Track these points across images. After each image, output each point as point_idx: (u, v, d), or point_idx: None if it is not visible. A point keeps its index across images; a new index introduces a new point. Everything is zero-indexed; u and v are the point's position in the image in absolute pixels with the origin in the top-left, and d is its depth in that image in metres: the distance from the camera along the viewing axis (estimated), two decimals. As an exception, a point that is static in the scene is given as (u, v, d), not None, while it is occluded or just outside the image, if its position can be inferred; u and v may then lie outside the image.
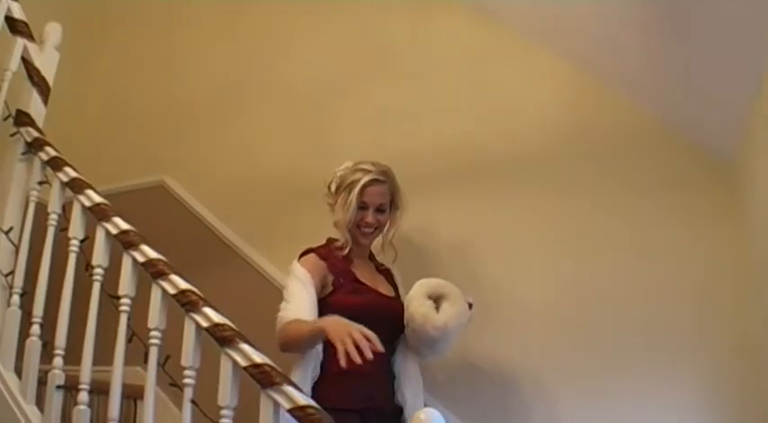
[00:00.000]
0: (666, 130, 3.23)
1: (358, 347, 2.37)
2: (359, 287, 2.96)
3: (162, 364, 2.70)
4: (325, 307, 2.84)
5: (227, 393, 2.44)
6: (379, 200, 3.04)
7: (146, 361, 2.68)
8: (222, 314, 2.57)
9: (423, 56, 3.89)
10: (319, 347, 2.77)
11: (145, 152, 4.54)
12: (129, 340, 2.78)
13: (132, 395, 3.40)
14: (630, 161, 3.26)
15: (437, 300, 2.86)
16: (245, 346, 2.43)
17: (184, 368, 2.57)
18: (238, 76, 4.42)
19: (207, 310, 2.56)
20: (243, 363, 2.41)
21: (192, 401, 2.56)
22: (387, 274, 3.21)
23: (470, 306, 2.90)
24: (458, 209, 3.46)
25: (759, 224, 2.77)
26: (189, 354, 2.57)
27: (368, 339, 2.40)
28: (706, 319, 2.99)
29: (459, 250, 3.37)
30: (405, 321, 2.89)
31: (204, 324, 2.54)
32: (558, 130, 3.42)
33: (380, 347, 2.40)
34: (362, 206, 3.03)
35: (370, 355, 2.36)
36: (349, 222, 3.02)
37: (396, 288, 3.17)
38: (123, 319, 2.79)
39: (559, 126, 3.42)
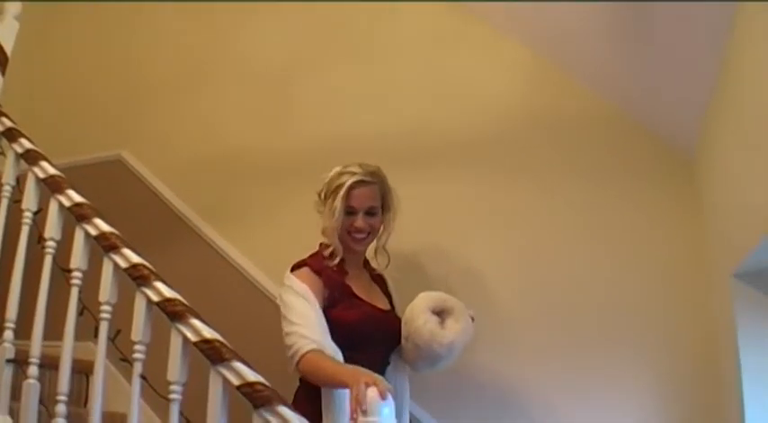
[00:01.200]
0: (626, 120, 3.24)
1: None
2: (355, 302, 2.76)
3: (112, 339, 2.69)
4: (330, 321, 2.67)
5: (176, 369, 2.44)
6: (367, 203, 2.82)
7: (96, 335, 2.66)
8: (174, 290, 2.56)
9: (385, 38, 3.88)
10: None
11: (103, 126, 4.48)
12: (80, 314, 2.76)
13: (84, 370, 3.38)
14: (589, 150, 3.27)
15: (441, 314, 2.72)
16: (195, 322, 2.42)
17: (134, 343, 2.56)
18: (199, 51, 4.38)
19: (158, 284, 2.55)
20: (193, 338, 2.40)
21: (142, 376, 2.55)
22: (381, 282, 3.04)
23: (472, 320, 2.77)
24: (417, 191, 3.46)
25: (716, 215, 2.80)
26: (139, 328, 2.55)
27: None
28: (663, 307, 3.03)
29: (417, 232, 3.37)
30: (404, 335, 2.73)
31: (155, 298, 2.52)
32: (517, 116, 3.42)
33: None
34: (350, 211, 2.80)
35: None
36: (337, 229, 2.79)
37: (390, 297, 3.01)
38: (74, 292, 2.77)
39: (519, 112, 3.42)
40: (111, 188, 4.13)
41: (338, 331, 2.59)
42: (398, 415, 2.67)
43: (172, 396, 2.44)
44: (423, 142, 3.55)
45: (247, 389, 2.26)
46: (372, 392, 2.04)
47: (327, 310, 2.68)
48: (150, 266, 2.62)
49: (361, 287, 2.85)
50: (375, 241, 2.94)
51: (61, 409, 2.65)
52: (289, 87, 4.00)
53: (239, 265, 3.72)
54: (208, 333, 2.39)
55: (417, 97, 3.66)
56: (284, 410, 2.21)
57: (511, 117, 3.44)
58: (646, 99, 3.14)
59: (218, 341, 2.37)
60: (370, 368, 2.44)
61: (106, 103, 4.56)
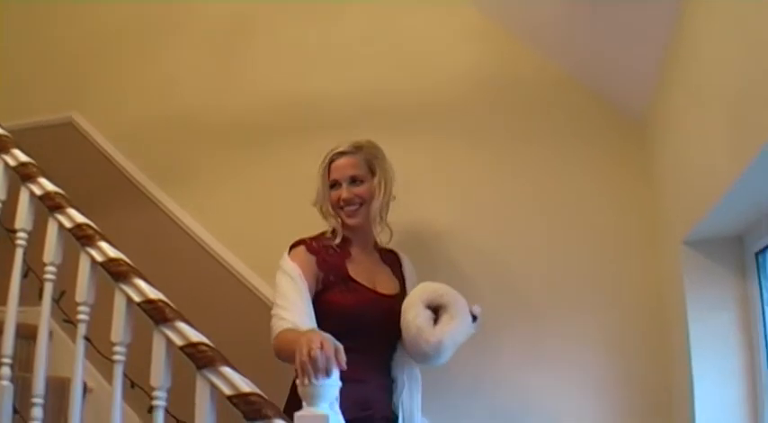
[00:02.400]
0: (577, 85, 3.23)
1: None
2: (351, 285, 2.61)
3: (57, 300, 2.65)
4: (316, 306, 2.52)
5: (120, 329, 2.40)
6: (349, 172, 2.70)
7: (41, 297, 2.62)
8: (120, 251, 2.52)
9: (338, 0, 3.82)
10: None
11: (53, 87, 4.38)
12: (24, 276, 2.71)
13: (31, 336, 3.32)
14: (541, 115, 3.26)
15: (437, 310, 2.56)
16: (139, 282, 2.39)
17: (78, 304, 2.52)
18: (150, 10, 4.25)
19: (103, 244, 2.50)
20: (137, 298, 2.37)
21: (86, 338, 2.51)
22: (394, 264, 2.87)
23: (475, 318, 2.59)
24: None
25: (667, 182, 2.81)
26: (83, 289, 2.52)
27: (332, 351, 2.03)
28: (614, 273, 3.05)
29: None
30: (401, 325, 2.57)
31: (99, 258, 2.48)
32: (469, 81, 3.39)
33: (342, 364, 2.00)
34: (334, 184, 2.72)
35: (324, 373, 1.97)
36: (324, 203, 2.73)
37: (403, 280, 2.84)
38: (19, 253, 2.72)
39: (471, 77, 3.39)
40: (62, 151, 4.04)
41: (331, 316, 2.47)
42: (408, 407, 2.65)
43: (116, 357, 2.41)
44: (375, 105, 3.51)
45: (191, 349, 2.23)
46: (319, 355, 1.98)
47: (322, 293, 2.57)
48: (95, 226, 2.58)
49: (362, 270, 2.69)
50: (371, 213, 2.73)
51: (5, 371, 2.62)
52: (241, 48, 3.92)
53: (189, 228, 3.66)
54: (151, 293, 2.36)
55: (369, 60, 3.61)
56: (228, 371, 2.18)
57: (462, 82, 3.40)
58: (597, 64, 3.12)
59: (162, 301, 2.33)
60: (369, 357, 2.47)
61: (56, 63, 4.45)
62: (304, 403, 1.95)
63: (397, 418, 2.63)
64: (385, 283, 2.74)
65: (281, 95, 3.69)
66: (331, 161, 2.73)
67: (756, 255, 2.66)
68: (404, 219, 3.08)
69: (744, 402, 2.68)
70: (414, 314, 2.50)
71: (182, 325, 2.28)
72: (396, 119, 3.46)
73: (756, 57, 1.79)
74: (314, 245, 2.64)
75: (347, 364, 2.10)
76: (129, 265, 2.44)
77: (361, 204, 2.70)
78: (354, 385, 2.31)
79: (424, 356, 2.54)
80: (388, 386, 2.67)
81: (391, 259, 2.87)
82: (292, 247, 2.65)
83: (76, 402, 2.47)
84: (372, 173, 2.73)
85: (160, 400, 2.30)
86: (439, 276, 2.83)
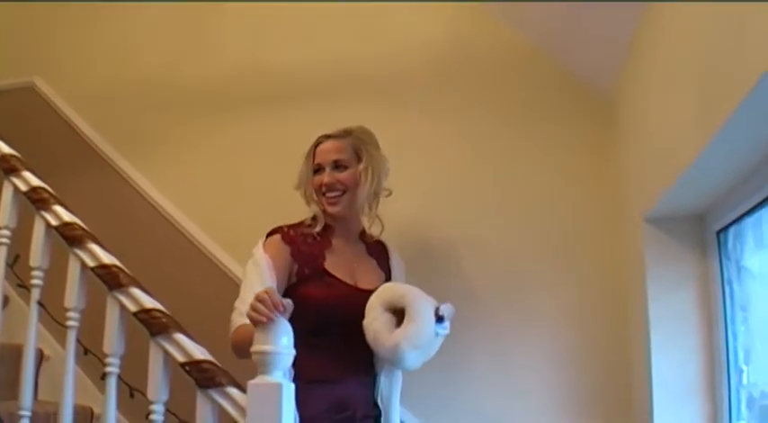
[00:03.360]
0: (545, 60, 3.20)
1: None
2: (327, 279, 2.45)
3: (11, 264, 2.60)
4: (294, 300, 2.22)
5: (73, 295, 2.36)
6: (332, 156, 2.53)
7: (-5, 262, 2.57)
8: (76, 215, 2.48)
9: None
10: None
11: (14, 51, 4.30)
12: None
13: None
14: (508, 89, 3.23)
15: (398, 312, 2.34)
16: (94, 247, 2.35)
17: (32, 269, 2.48)
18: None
19: (58, 208, 2.46)
20: (91, 263, 2.33)
21: (39, 303, 2.47)
22: (381, 256, 2.70)
23: (440, 319, 2.32)
24: (331, 124, 3.41)
25: (631, 158, 2.81)
26: (37, 253, 2.47)
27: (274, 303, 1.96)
28: (576, 249, 3.04)
29: None
30: None
31: (54, 223, 2.44)
32: (436, 53, 3.35)
33: (288, 307, 1.95)
34: (317, 168, 2.55)
35: (272, 316, 1.91)
36: (306, 187, 2.56)
37: (389, 272, 2.68)
38: (-27, 217, 2.66)
39: (438, 49, 3.35)
40: (23, 116, 3.97)
41: (304, 312, 2.20)
42: (386, 401, 2.54)
43: (69, 323, 2.37)
44: (341, 76, 3.47)
45: (144, 315, 2.20)
46: (265, 296, 1.94)
47: (296, 286, 2.42)
48: (51, 190, 2.53)
49: (341, 262, 2.52)
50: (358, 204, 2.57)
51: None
52: (209, 16, 3.86)
53: (150, 196, 3.60)
54: (106, 258, 2.32)
55: (337, 30, 3.56)
56: (181, 338, 2.15)
57: (430, 55, 3.37)
58: (566, 40, 3.10)
59: (117, 266, 2.30)
60: (345, 355, 2.39)
61: (17, 25, 4.37)
62: (258, 372, 1.92)
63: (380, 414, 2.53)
64: (367, 277, 2.56)
65: (247, 64, 3.63)
66: (317, 144, 2.59)
67: (717, 233, 2.67)
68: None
69: (701, 380, 2.69)
70: (371, 318, 2.33)
71: (136, 291, 2.24)
72: (360, 90, 3.42)
73: (721, 34, 1.79)
74: (290, 234, 2.49)
75: (319, 364, 2.17)
76: (83, 229, 2.40)
77: (343, 192, 2.51)
78: (328, 387, 2.35)
79: (387, 361, 2.42)
80: (370, 383, 2.54)
81: (379, 251, 2.71)
82: (268, 235, 2.51)
83: (29, 369, 2.44)
84: (359, 159, 2.55)
85: (113, 367, 2.27)
86: (404, 250, 2.83)
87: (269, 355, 1.90)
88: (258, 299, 1.94)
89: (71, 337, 2.36)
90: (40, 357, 3.26)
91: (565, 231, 3.06)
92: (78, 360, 2.41)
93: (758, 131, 1.92)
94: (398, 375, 2.56)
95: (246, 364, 1.99)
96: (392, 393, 2.54)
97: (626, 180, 2.91)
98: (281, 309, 1.93)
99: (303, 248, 2.47)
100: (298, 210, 3.11)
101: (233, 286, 3.01)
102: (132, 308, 2.23)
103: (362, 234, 2.70)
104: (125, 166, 3.71)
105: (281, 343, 1.91)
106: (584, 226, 3.04)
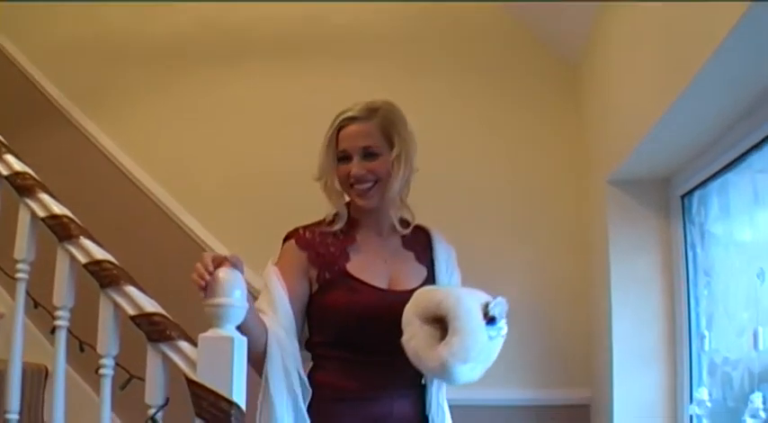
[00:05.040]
0: (514, 25, 3.21)
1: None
2: (351, 283, 2.12)
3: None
4: (312, 310, 2.16)
5: (23, 246, 2.30)
6: (361, 142, 2.14)
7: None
8: (28, 165, 2.41)
9: None
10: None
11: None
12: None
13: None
14: (477, 52, 3.25)
15: (440, 321, 1.94)
16: (44, 196, 2.28)
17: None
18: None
19: (9, 157, 2.39)
20: (41, 213, 2.26)
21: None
22: (422, 246, 2.30)
23: (491, 320, 1.94)
24: (298, 83, 3.36)
25: (596, 122, 2.81)
26: (-15, 205, 2.41)
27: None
28: (538, 209, 3.06)
29: (294, 119, 3.31)
30: None
31: (4, 172, 2.37)
32: (409, 16, 3.34)
33: (211, 267, 1.83)
34: (342, 156, 2.17)
35: (206, 278, 1.81)
36: (329, 178, 2.20)
37: (432, 264, 2.27)
38: None
39: (409, 11, 3.34)
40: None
41: (327, 323, 2.10)
42: (435, 411, 2.20)
43: (19, 275, 2.31)
44: (311, 33, 3.43)
45: (94, 267, 2.13)
46: (223, 273, 1.90)
47: (318, 294, 2.15)
48: (2, 139, 2.46)
49: (368, 261, 2.19)
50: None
51: None
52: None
53: (108, 151, 3.55)
54: (57, 208, 2.25)
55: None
56: (132, 290, 2.09)
57: (402, 17, 3.35)
58: (534, 5, 3.10)
59: (68, 217, 2.23)
60: (381, 367, 2.07)
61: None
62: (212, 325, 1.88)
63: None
64: (403, 276, 2.19)
65: (213, 20, 3.57)
66: (339, 128, 2.18)
67: (682, 197, 2.66)
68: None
69: (662, 345, 2.70)
70: (409, 335, 1.96)
71: (87, 242, 2.18)
72: (329, 48, 3.39)
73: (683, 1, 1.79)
74: (306, 236, 2.20)
75: (349, 380, 2.02)
76: (35, 179, 2.33)
77: (375, 182, 2.15)
78: (359, 405, 2.08)
79: (439, 379, 2.10)
80: (415, 396, 2.19)
81: (418, 241, 2.30)
82: (285, 239, 2.25)
83: (-21, 325, 2.38)
84: (390, 144, 2.17)
85: (62, 320, 2.21)
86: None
87: (221, 307, 1.84)
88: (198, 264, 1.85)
89: (20, 289, 2.30)
90: (-6, 315, 3.20)
91: (528, 192, 3.06)
92: (30, 314, 2.35)
93: (720, 96, 1.92)
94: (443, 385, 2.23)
95: (199, 316, 1.94)
96: (442, 405, 2.22)
97: (591, 142, 2.91)
98: (211, 269, 1.83)
99: (322, 251, 2.16)
100: (260, 169, 3.09)
101: (189, 242, 2.98)
102: (82, 259, 2.17)
103: (394, 226, 2.25)
104: (85, 121, 3.65)
105: (234, 296, 1.86)
106: (548, 187, 3.05)
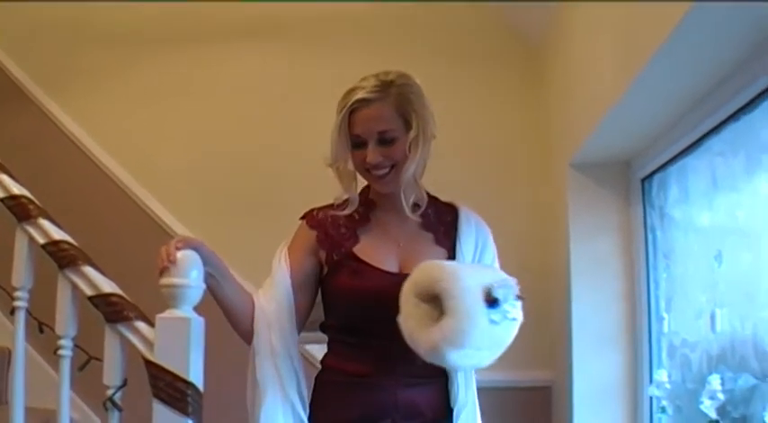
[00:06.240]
0: (479, 8, 3.21)
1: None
2: (356, 265, 2.01)
3: None
4: (323, 293, 2.08)
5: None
6: (376, 126, 1.97)
7: None
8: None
9: None
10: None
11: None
12: None
13: None
14: (441, 34, 3.25)
15: (436, 300, 1.75)
16: (3, 177, 2.26)
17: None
18: None
19: (-33, 136, 2.38)
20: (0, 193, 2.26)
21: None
22: (445, 225, 2.12)
23: (494, 302, 1.73)
24: (261, 67, 3.35)
25: (558, 105, 2.82)
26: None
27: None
28: (500, 191, 3.07)
29: (258, 102, 3.32)
30: None
31: (-37, 150, 2.36)
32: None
33: (179, 244, 1.84)
34: (357, 141, 2.00)
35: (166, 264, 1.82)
36: (342, 164, 2.04)
37: (453, 244, 2.08)
38: None
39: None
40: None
41: (334, 307, 2.01)
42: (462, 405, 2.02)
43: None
44: (277, 15, 3.40)
45: (53, 248, 2.12)
46: (180, 254, 1.90)
47: (328, 277, 2.05)
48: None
49: (380, 243, 2.06)
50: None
51: None
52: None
53: (70, 131, 3.52)
54: (15, 189, 2.24)
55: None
56: (90, 271, 2.08)
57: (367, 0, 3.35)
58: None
59: (26, 198, 2.22)
60: (391, 358, 1.92)
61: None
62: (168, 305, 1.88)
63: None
64: (416, 258, 1.97)
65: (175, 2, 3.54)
66: (352, 110, 2.00)
67: (642, 180, 2.68)
68: (293, 127, 3.04)
69: (622, 328, 2.72)
70: (405, 313, 1.79)
71: (44, 222, 2.17)
72: (297, 28, 3.39)
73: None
74: (318, 217, 2.09)
75: (356, 366, 1.92)
76: (-8, 157, 2.32)
77: (392, 167, 2.00)
78: (362, 392, 1.96)
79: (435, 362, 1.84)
80: (436, 385, 2.01)
81: (442, 221, 2.13)
82: (301, 219, 2.14)
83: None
84: (407, 124, 2.00)
85: (21, 302, 2.20)
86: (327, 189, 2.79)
87: (178, 288, 1.84)
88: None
89: (-21, 271, 2.30)
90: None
91: (490, 174, 3.08)
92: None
93: (675, 79, 1.94)
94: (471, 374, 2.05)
95: (157, 297, 1.94)
96: (469, 398, 2.03)
97: (553, 125, 2.92)
98: (173, 258, 1.83)
99: (331, 232, 2.05)
100: (224, 152, 3.08)
101: (152, 224, 2.97)
102: (41, 240, 2.16)
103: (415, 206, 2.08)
104: (49, 103, 3.62)
105: (191, 276, 1.86)
106: (510, 171, 3.06)
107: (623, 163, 2.68)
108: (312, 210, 2.12)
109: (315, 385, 2.03)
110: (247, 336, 1.97)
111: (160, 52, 3.50)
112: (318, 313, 2.08)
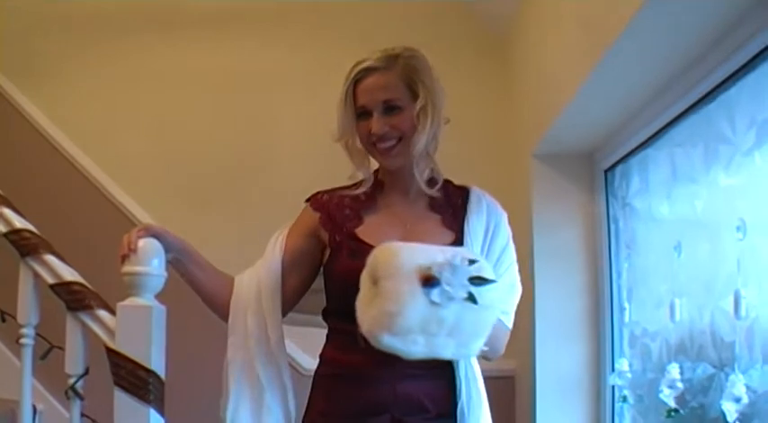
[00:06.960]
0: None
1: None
2: (355, 246, 1.90)
3: None
4: (326, 276, 1.99)
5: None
6: (380, 95, 1.90)
7: None
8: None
9: None
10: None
11: None
12: None
13: None
14: (405, 22, 3.26)
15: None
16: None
17: None
18: None
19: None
20: (-40, 182, 2.25)
21: None
22: (453, 208, 2.00)
23: (431, 282, 1.58)
24: (228, 56, 3.35)
25: (522, 96, 2.83)
26: None
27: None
28: (465, 180, 3.06)
29: (223, 89, 3.33)
30: None
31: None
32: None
33: (142, 232, 1.83)
34: (362, 111, 1.92)
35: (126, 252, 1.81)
36: (350, 138, 1.96)
37: (461, 228, 1.95)
38: None
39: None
40: None
41: (341, 286, 1.89)
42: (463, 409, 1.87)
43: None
44: (238, 3, 3.41)
45: (14, 236, 2.12)
46: (141, 242, 1.89)
47: (330, 258, 1.96)
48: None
49: (385, 225, 1.96)
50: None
51: None
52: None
53: (36, 122, 3.48)
54: (-22, 178, 2.24)
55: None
56: (51, 259, 2.08)
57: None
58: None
59: (-10, 184, 2.22)
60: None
61: None
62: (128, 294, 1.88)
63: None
64: (424, 238, 1.87)
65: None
66: (356, 81, 1.93)
67: (606, 172, 2.70)
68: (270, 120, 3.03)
69: (584, 317, 2.74)
70: (358, 297, 1.69)
71: (6, 211, 2.16)
72: (259, 14, 3.38)
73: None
74: (323, 199, 2.01)
75: (353, 356, 1.78)
76: (-46, 147, 2.31)
77: (400, 139, 1.90)
78: (358, 386, 1.86)
79: None
80: (442, 376, 1.88)
81: (451, 202, 2.02)
82: (306, 202, 2.08)
83: None
84: (414, 94, 1.91)
85: (-18, 291, 2.20)
86: (289, 178, 2.79)
87: (139, 276, 1.84)
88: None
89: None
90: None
91: (452, 164, 3.05)
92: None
93: (637, 67, 1.95)
94: (473, 366, 1.93)
95: (121, 286, 1.94)
96: (474, 391, 1.91)
97: (517, 115, 2.94)
98: (134, 246, 1.82)
99: (335, 213, 1.97)
100: (188, 140, 3.08)
101: (116, 213, 2.96)
102: (2, 228, 2.15)
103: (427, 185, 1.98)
104: (12, 90, 3.59)
105: (152, 264, 1.86)
106: (473, 159, 3.06)
107: (587, 154, 2.70)
108: (318, 192, 2.04)
109: (313, 380, 1.95)
110: (227, 318, 1.93)
111: (123, 40, 3.48)
112: (322, 300, 2.01)
